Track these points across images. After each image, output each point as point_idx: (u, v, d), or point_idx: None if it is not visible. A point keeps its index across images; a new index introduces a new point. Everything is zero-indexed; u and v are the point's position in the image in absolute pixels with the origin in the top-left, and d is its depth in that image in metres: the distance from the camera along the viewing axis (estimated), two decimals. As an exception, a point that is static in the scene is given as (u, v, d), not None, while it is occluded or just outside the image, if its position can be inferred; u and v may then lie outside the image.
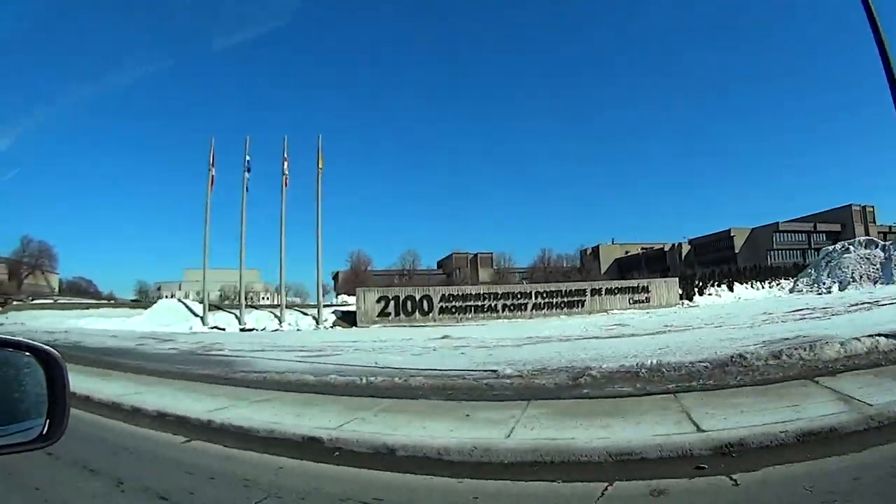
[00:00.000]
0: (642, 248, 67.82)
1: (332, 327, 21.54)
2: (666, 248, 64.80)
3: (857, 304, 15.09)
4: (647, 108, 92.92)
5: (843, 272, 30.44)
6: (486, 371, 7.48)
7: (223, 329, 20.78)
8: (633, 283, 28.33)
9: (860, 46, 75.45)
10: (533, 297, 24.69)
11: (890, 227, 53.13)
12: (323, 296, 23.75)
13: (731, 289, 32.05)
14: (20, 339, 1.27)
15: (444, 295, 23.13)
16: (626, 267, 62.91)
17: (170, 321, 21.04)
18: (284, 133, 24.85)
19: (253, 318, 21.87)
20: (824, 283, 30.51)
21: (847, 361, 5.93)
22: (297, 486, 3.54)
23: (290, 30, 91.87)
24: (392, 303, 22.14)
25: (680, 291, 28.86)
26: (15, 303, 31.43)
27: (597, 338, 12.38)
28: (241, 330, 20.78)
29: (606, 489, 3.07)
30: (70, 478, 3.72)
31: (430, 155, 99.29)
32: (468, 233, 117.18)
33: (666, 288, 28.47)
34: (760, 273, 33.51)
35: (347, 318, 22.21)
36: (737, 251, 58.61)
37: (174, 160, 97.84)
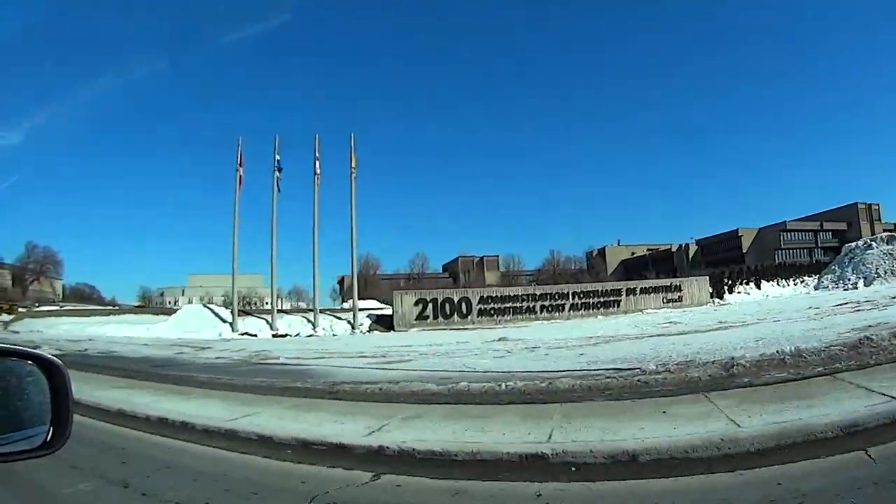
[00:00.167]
0: (648, 250, 67.69)
1: (368, 331, 20.47)
2: (673, 249, 64.73)
3: (896, 297, 14.84)
4: (653, 111, 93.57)
5: (866, 268, 30.63)
6: (617, 369, 6.98)
7: (255, 335, 19.61)
8: (666, 282, 28.05)
9: (862, 46, 77.35)
10: (570, 298, 24.20)
11: (895, 225, 53.74)
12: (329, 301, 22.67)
13: (758, 286, 32.02)
14: (22, 347, 1.27)
15: (482, 297, 22.41)
16: (633, 268, 62.66)
17: (197, 327, 19.77)
18: (313, 133, 23.43)
19: (284, 323, 20.71)
20: (849, 280, 30.72)
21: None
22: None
23: (291, 28, 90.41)
24: (430, 306, 21.33)
25: (710, 290, 28.67)
26: (21, 309, 30.26)
27: (666, 335, 11.98)
28: (274, 336, 19.64)
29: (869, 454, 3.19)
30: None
31: (435, 159, 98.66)
32: (471, 236, 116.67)
33: (697, 286, 28.32)
34: (783, 271, 33.44)
35: (383, 322, 21.24)
36: (745, 251, 58.72)
37: (178, 164, 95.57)
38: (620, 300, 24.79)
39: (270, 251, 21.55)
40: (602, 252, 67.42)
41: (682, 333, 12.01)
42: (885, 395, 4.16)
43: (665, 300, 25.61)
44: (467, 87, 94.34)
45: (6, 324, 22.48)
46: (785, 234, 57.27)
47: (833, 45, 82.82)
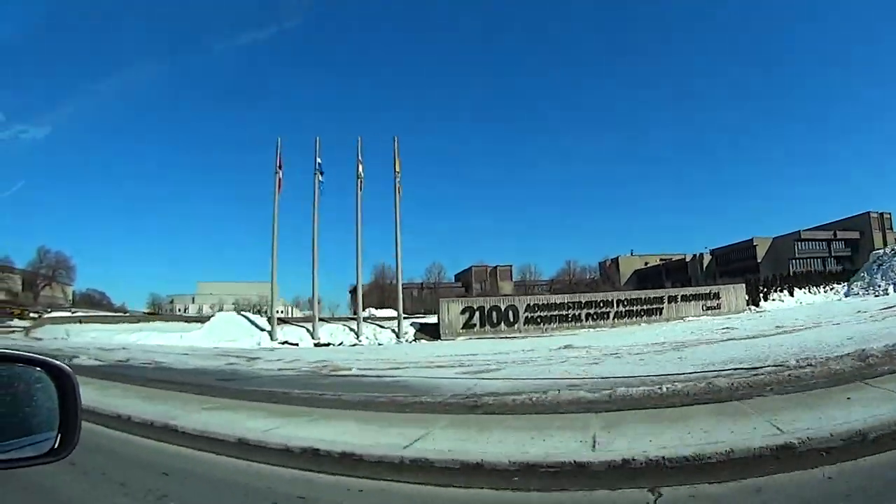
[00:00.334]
0: (661, 259, 67.37)
1: (413, 340, 19.53)
2: (687, 259, 64.43)
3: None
4: (661, 122, 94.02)
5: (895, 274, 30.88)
6: (750, 367, 7.10)
7: (296, 344, 18.61)
8: (705, 289, 28.07)
9: (874, 54, 78.58)
10: (615, 306, 23.76)
11: (908, 234, 53.96)
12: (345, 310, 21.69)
13: (791, 294, 31.97)
14: (32, 354, 1.26)
15: (529, 305, 21.90)
16: (646, 278, 62.23)
17: (234, 336, 18.71)
18: (356, 135, 22.71)
19: (326, 332, 19.71)
20: (879, 286, 31.21)
21: None
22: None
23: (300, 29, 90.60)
24: (477, 314, 20.72)
25: (746, 297, 28.57)
26: (32, 315, 29.49)
27: (743, 339, 11.96)
28: (316, 345, 18.66)
29: None
30: None
31: (447, 168, 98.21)
32: (480, 246, 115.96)
33: (734, 294, 28.38)
34: (814, 279, 33.31)
35: (427, 331, 20.40)
36: (759, 260, 58.52)
37: (184, 169, 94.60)
38: (662, 308, 24.56)
39: (312, 257, 20.90)
40: (616, 262, 66.96)
41: (752, 337, 12.00)
42: None
43: (704, 307, 25.34)
44: (470, 94, 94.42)
45: (27, 330, 21.24)
46: (799, 243, 57.20)
47: (844, 54, 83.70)
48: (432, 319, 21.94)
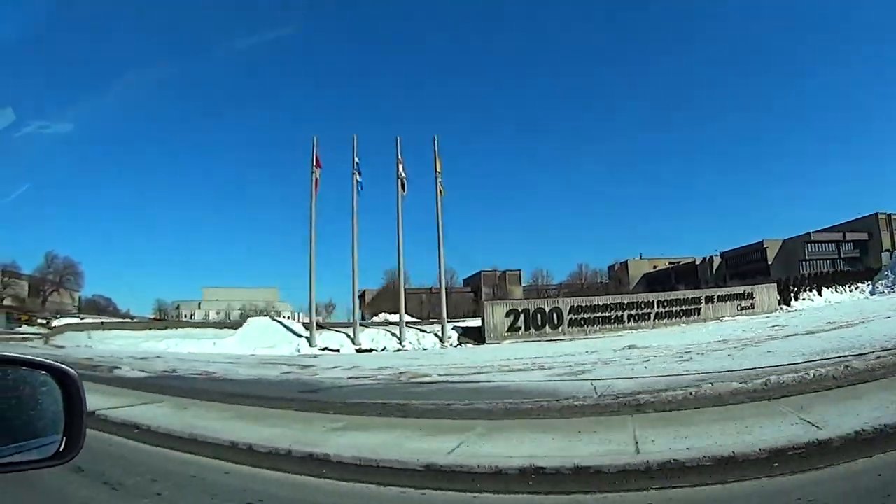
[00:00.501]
0: (670, 263, 67.23)
1: (458, 345, 18.82)
2: (697, 262, 64.32)
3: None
4: (668, 127, 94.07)
5: (918, 272, 31.26)
6: (859, 354, 7.29)
7: (337, 350, 17.81)
8: (740, 289, 28.07)
9: (882, 53, 79.43)
10: (655, 307, 23.41)
11: (917, 235, 54.23)
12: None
13: (819, 293, 32.10)
14: (36, 357, 1.26)
15: (572, 307, 21.55)
16: (655, 281, 61.90)
17: (271, 342, 17.84)
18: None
19: (367, 337, 18.88)
20: None
21: None
22: None
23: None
24: (521, 316, 20.04)
25: (778, 297, 28.67)
26: (40, 321, 28.36)
27: (797, 335, 12.11)
28: (358, 351, 17.81)
29: None
30: None
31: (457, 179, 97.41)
32: (486, 251, 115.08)
33: (767, 294, 28.58)
34: (840, 278, 33.34)
35: (470, 335, 19.78)
36: (770, 263, 58.54)
37: (186, 174, 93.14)
38: (700, 308, 24.41)
39: (352, 258, 20.10)
40: (625, 265, 66.67)
41: (812, 332, 12.06)
42: None
43: (739, 307, 25.24)
44: (472, 96, 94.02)
45: (46, 337, 20.15)
46: (809, 245, 57.36)
47: (852, 56, 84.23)
48: (473, 323, 21.29)
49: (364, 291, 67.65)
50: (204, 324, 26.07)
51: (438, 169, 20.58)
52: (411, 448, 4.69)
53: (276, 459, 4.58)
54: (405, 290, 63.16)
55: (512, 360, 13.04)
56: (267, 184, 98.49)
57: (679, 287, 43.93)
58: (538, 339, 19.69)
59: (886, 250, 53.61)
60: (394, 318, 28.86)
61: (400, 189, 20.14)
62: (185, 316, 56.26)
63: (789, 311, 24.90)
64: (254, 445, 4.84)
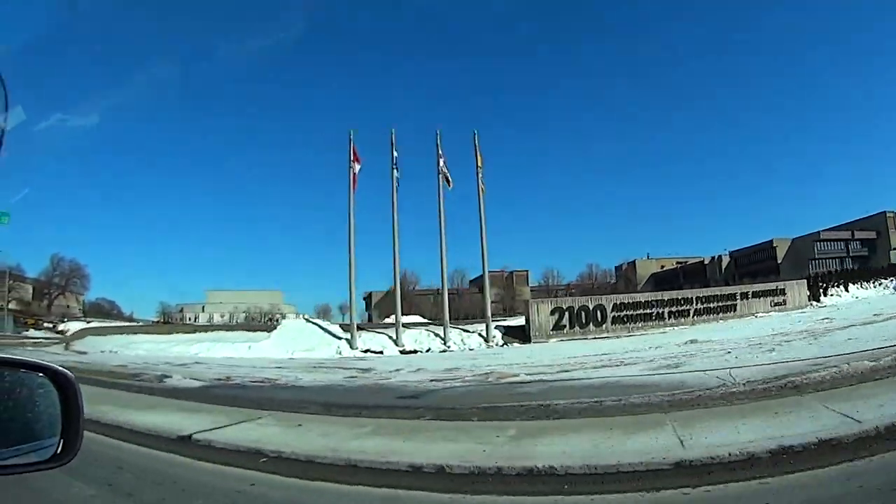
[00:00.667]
0: (677, 262, 67.13)
1: (503, 344, 18.11)
2: (706, 262, 64.24)
3: None
4: (676, 132, 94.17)
5: (941, 268, 31.49)
6: None
7: (380, 352, 16.96)
8: (772, 286, 28.24)
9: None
10: (693, 303, 23.15)
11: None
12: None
13: (846, 289, 32.30)
14: (34, 359, 1.25)
15: (615, 304, 21.21)
16: (663, 281, 61.67)
17: (310, 345, 16.97)
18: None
19: (410, 338, 18.06)
20: None
21: None
22: None
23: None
24: (566, 314, 19.41)
25: (808, 293, 28.72)
26: (46, 324, 27.18)
27: (854, 325, 12.03)
28: (402, 352, 16.98)
29: None
30: None
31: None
32: (490, 251, 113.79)
33: (798, 290, 28.54)
34: (865, 274, 33.39)
35: (513, 334, 19.18)
36: (779, 262, 58.59)
37: (193, 176, 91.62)
38: (736, 304, 24.34)
39: (393, 257, 19.36)
40: (633, 265, 66.44)
41: (867, 323, 11.93)
42: None
43: (772, 303, 25.26)
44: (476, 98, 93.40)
45: (66, 343, 19.08)
46: (818, 243, 57.50)
47: (858, 57, 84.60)
48: (513, 322, 20.63)
49: (370, 293, 66.86)
50: (234, 326, 25.03)
51: (479, 164, 19.89)
52: (627, 449, 3.98)
53: (486, 481, 3.74)
54: (415, 292, 62.30)
55: (579, 357, 12.46)
56: (268, 184, 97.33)
57: (685, 286, 43.77)
58: (583, 337, 19.18)
59: (894, 249, 54.00)
60: (405, 319, 28.11)
61: (444, 184, 19.39)
62: (189, 318, 55.18)
63: (819, 307, 24.87)
64: (446, 467, 3.94)
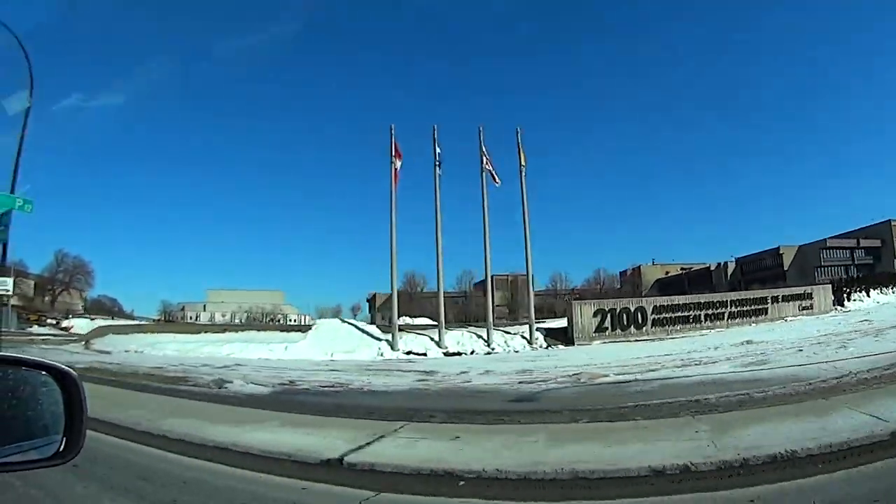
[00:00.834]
0: (681, 269, 67.21)
1: (546, 346, 17.56)
2: (711, 268, 64.37)
3: None
4: (682, 136, 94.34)
5: (957, 275, 31.93)
6: None
7: (423, 354, 16.26)
8: (800, 290, 28.31)
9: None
10: (728, 306, 22.96)
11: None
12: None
13: (868, 294, 32.62)
14: (37, 358, 1.27)
15: (656, 306, 21.00)
16: (668, 287, 61.53)
17: (350, 346, 16.18)
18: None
19: (452, 339, 17.39)
20: None
21: None
22: None
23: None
24: (608, 316, 18.91)
25: (832, 298, 29.02)
26: (50, 321, 26.22)
27: None
28: (446, 354, 16.30)
29: None
30: None
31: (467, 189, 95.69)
32: (494, 253, 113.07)
33: (823, 294, 28.53)
34: (885, 280, 33.66)
35: (555, 336, 18.63)
36: (786, 268, 58.84)
37: (193, 175, 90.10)
38: (767, 308, 24.22)
39: (436, 256, 18.67)
40: (637, 271, 66.37)
41: None
42: None
43: (800, 307, 25.24)
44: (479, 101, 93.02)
45: (86, 342, 18.06)
46: (825, 251, 57.86)
47: (872, 62, 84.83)
48: (553, 324, 20.08)
49: (374, 294, 65.94)
50: (270, 326, 23.92)
51: (523, 163, 19.38)
52: (838, 428, 3.99)
53: (736, 474, 3.47)
54: (422, 294, 61.41)
55: (644, 359, 12.04)
56: (269, 184, 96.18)
57: (689, 292, 43.66)
58: (624, 339, 18.80)
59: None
60: (414, 321, 27.44)
61: (491, 181, 18.83)
62: (191, 317, 54.12)
63: (845, 311, 24.95)
64: (690, 465, 3.56)
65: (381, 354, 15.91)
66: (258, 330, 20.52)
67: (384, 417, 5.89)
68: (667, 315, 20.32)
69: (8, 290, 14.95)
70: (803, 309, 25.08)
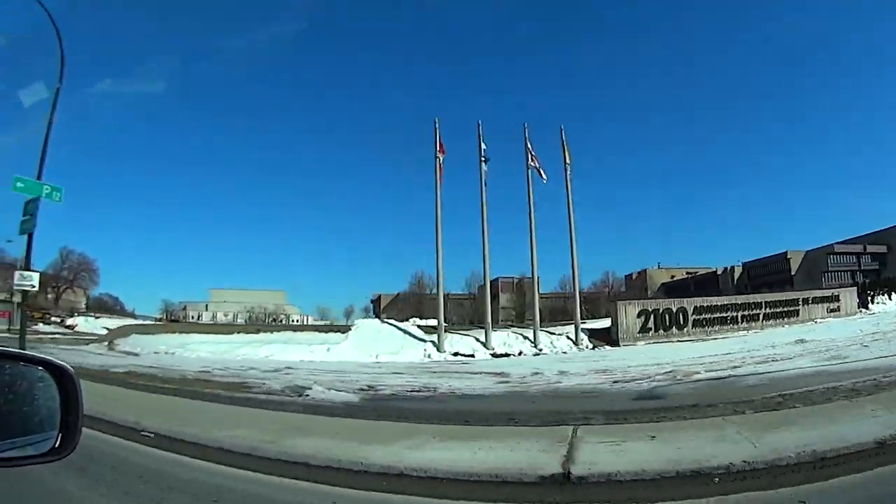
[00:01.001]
0: (687, 273, 67.18)
1: (592, 347, 17.05)
2: (718, 272, 64.38)
3: None
4: (686, 142, 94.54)
5: (974, 279, 32.29)
6: None
7: (471, 355, 15.62)
8: (828, 292, 28.82)
9: None
10: (763, 308, 23.05)
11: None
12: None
13: (890, 297, 33.01)
14: (34, 353, 1.26)
15: (696, 307, 20.83)
16: (673, 291, 61.46)
17: (393, 347, 15.49)
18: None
19: (499, 340, 16.80)
20: None
21: None
22: None
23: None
24: (652, 317, 18.48)
25: (857, 300, 29.06)
26: (54, 319, 26.19)
27: None
28: (493, 356, 15.68)
29: None
30: None
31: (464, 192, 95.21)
32: (498, 255, 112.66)
33: (849, 297, 28.56)
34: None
35: (599, 337, 18.22)
36: (793, 273, 58.99)
37: (194, 175, 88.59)
38: (798, 310, 24.86)
39: (483, 256, 18.30)
40: (643, 274, 66.26)
41: None
42: None
43: (828, 309, 25.89)
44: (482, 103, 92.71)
45: (109, 342, 17.14)
46: (832, 256, 58.11)
47: (878, 67, 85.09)
48: (595, 325, 19.64)
49: (379, 296, 65.07)
50: (304, 327, 22.89)
51: (567, 161, 18.98)
52: None
53: None
54: (426, 295, 60.44)
55: (707, 358, 11.84)
56: (271, 185, 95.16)
57: (698, 297, 43.51)
58: (667, 339, 18.54)
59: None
60: (423, 322, 26.83)
61: (538, 178, 18.45)
62: (193, 317, 52.97)
63: (870, 314, 25.21)
64: None
65: (429, 356, 15.24)
66: (294, 331, 19.64)
67: (526, 423, 5.16)
68: (707, 316, 20.44)
69: (34, 286, 14.07)
70: (831, 311, 25.73)
